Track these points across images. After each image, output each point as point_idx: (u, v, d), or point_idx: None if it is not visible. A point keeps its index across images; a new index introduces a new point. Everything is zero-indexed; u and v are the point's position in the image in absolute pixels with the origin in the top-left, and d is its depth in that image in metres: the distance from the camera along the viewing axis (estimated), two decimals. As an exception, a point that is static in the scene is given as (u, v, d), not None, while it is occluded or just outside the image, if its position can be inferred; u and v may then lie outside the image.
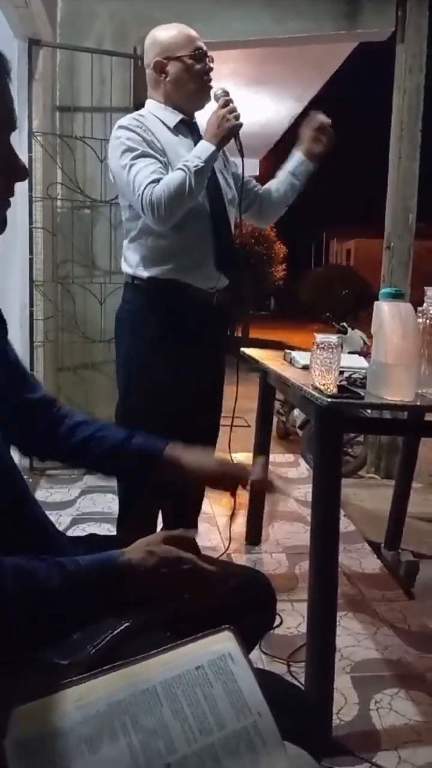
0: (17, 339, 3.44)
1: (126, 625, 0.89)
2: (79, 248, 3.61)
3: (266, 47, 3.78)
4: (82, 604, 0.90)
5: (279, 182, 2.15)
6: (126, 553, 0.95)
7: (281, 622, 2.03)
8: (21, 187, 3.31)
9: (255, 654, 1.74)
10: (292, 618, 2.04)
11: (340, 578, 2.23)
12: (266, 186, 2.17)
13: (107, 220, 3.58)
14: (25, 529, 0.97)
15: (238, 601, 1.09)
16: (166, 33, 1.95)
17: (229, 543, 2.51)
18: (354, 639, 1.97)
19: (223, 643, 0.75)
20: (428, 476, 3.81)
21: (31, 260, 3.42)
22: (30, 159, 3.32)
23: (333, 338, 1.59)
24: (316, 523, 1.58)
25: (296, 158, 2.12)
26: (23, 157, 3.16)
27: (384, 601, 2.21)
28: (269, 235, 12.53)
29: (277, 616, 2.04)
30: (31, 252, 3.41)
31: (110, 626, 0.89)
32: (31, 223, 3.38)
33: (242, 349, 2.44)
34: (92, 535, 1.23)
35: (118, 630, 0.87)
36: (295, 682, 1.74)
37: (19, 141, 3.30)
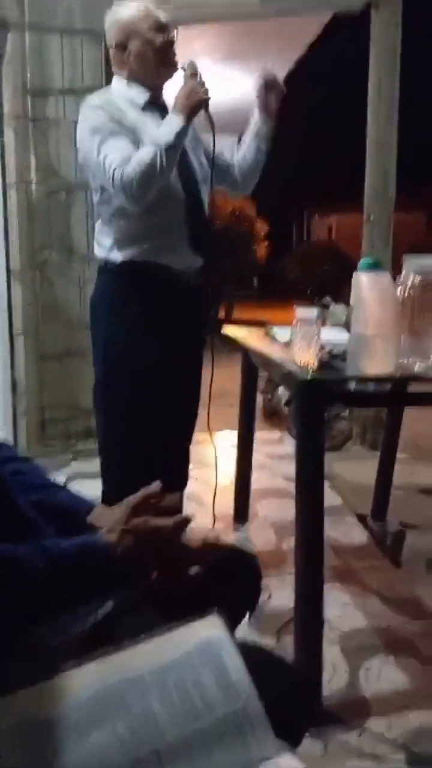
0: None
1: (111, 603, 0.90)
2: (56, 233, 3.58)
3: (239, 21, 3.72)
4: (67, 585, 0.90)
5: (246, 148, 2.14)
6: (102, 535, 0.95)
7: (269, 597, 2.05)
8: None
9: (244, 629, 1.76)
10: (281, 593, 2.06)
11: (328, 551, 2.24)
12: (236, 155, 2.16)
13: (84, 204, 3.54)
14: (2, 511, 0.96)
15: (221, 573, 1.10)
16: (125, 10, 1.93)
17: (214, 521, 2.51)
18: (342, 609, 2.00)
19: (210, 628, 0.75)
20: (413, 447, 3.84)
21: (6, 248, 3.38)
22: (1, 143, 3.27)
23: (313, 311, 1.59)
24: (300, 497, 1.60)
25: (255, 120, 2.10)
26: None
27: (371, 571, 2.25)
28: (249, 214, 12.44)
29: (266, 592, 2.06)
30: (6, 239, 3.37)
31: (96, 606, 0.90)
32: (5, 209, 3.34)
33: (224, 328, 2.44)
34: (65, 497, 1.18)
35: (104, 609, 0.88)
36: (285, 655, 1.77)
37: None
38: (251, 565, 1.20)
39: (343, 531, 2.55)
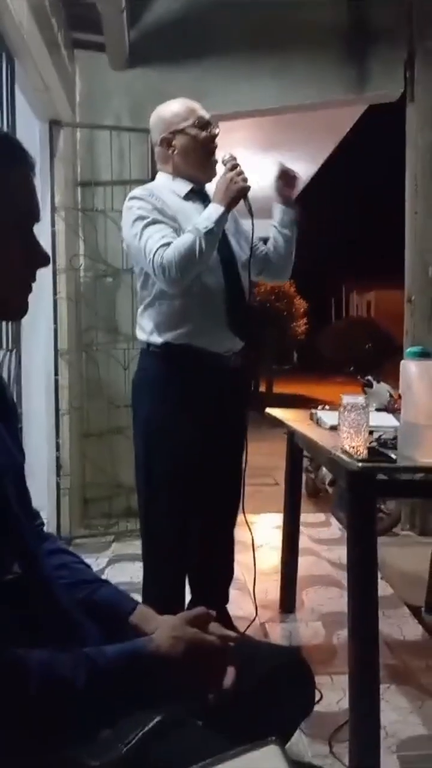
0: (42, 407, 3.48)
1: (158, 719, 0.84)
2: (102, 315, 3.68)
3: (277, 114, 3.89)
4: (111, 699, 0.85)
5: (273, 239, 2.20)
6: (153, 640, 0.91)
7: (321, 698, 1.91)
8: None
9: (295, 735, 1.65)
10: (333, 693, 1.94)
11: (381, 648, 2.12)
12: (267, 246, 2.22)
13: (129, 287, 3.64)
14: (42, 610, 0.93)
15: (274, 684, 1.03)
16: (168, 108, 2.03)
17: (256, 612, 2.42)
18: (399, 714, 1.86)
19: (270, 760, 0.69)
20: (465, 531, 3.68)
21: (55, 329, 3.47)
22: (53, 233, 3.42)
23: (360, 399, 1.56)
24: (353, 595, 1.52)
25: (277, 211, 2.17)
26: (46, 232, 3.29)
27: (429, 671, 2.10)
28: (288, 291, 12.66)
29: (317, 692, 1.94)
30: (55, 321, 3.47)
31: (141, 721, 0.84)
32: (55, 293, 3.46)
33: (267, 409, 2.42)
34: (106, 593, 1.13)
35: (150, 725, 0.83)
36: (339, 764, 1.64)
37: (42, 216, 3.41)
38: (304, 672, 1.13)
39: (397, 625, 2.41)
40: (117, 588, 1.14)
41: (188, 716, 0.95)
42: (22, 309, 0.94)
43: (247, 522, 2.14)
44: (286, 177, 2.14)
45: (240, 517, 2.22)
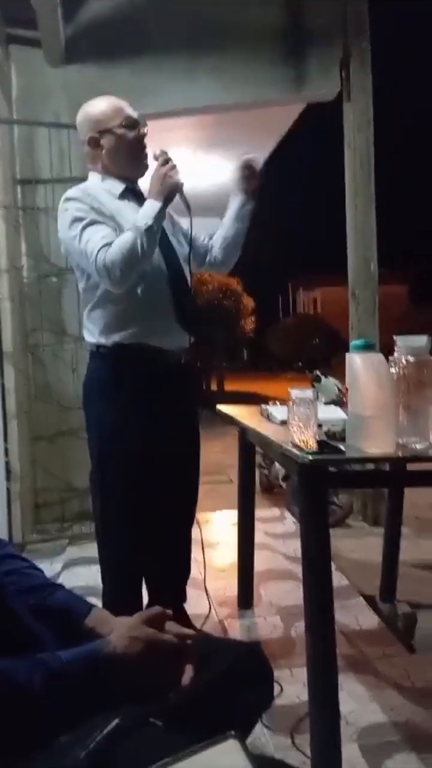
0: (-11, 412, 3.39)
1: (116, 722, 0.82)
2: (48, 316, 3.62)
3: (216, 113, 3.89)
4: (69, 703, 0.84)
5: (226, 229, 2.21)
6: (109, 642, 0.90)
7: (281, 691, 1.94)
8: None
9: (256, 728, 1.65)
10: (293, 686, 1.95)
11: (338, 638, 2.14)
12: (215, 235, 2.22)
13: (74, 287, 3.55)
14: None
15: (232, 679, 1.03)
16: (95, 107, 2.01)
17: (210, 607, 2.42)
18: (358, 703, 1.89)
19: (229, 754, 0.68)
20: (415, 520, 3.76)
21: (-1, 331, 3.39)
22: (-7, 233, 3.34)
23: (308, 392, 1.57)
24: (308, 587, 1.53)
25: (236, 202, 2.18)
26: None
27: (385, 659, 2.13)
28: (236, 289, 12.74)
29: (277, 685, 1.94)
30: (-2, 323, 3.39)
31: (100, 724, 0.83)
32: (-3, 295, 3.37)
33: (218, 406, 2.42)
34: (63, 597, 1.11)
35: (109, 728, 0.81)
36: (301, 755, 1.65)
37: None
38: (262, 666, 1.13)
39: (353, 615, 2.45)
40: (71, 592, 1.12)
41: (148, 717, 0.94)
42: None
43: (197, 521, 2.14)
44: (250, 169, 2.14)
45: (200, 515, 2.22)
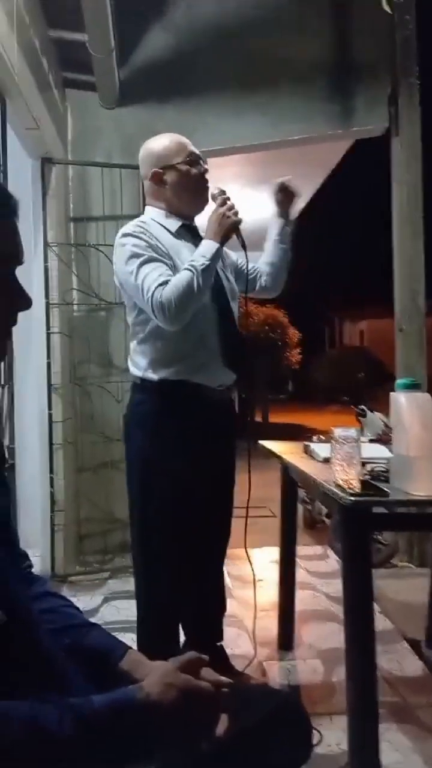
0: (36, 443, 3.45)
1: (149, 771, 0.81)
2: (95, 349, 3.68)
3: (264, 150, 3.94)
4: (99, 751, 0.82)
5: (270, 254, 2.23)
6: (143, 688, 0.89)
7: (321, 739, 1.88)
8: (38, 294, 3.43)
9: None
10: (333, 733, 1.89)
11: (380, 684, 2.08)
12: (259, 262, 2.24)
13: (121, 321, 3.65)
14: (26, 658, 0.90)
15: (268, 730, 1.00)
16: (158, 143, 2.05)
17: (255, 650, 2.37)
18: (401, 755, 1.81)
19: None
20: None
21: (48, 364, 3.47)
22: (46, 268, 3.44)
23: (352, 431, 1.55)
24: (349, 632, 1.49)
25: (275, 226, 2.21)
26: (39, 267, 3.30)
27: (429, 707, 2.05)
28: (282, 321, 12.75)
29: (316, 732, 1.89)
30: (48, 356, 3.47)
31: (132, 773, 0.81)
32: (48, 328, 3.46)
33: (260, 441, 2.41)
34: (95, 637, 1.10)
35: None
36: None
37: (34, 252, 3.43)
38: (300, 716, 1.09)
39: (396, 661, 2.36)
40: (107, 632, 1.12)
41: (181, 767, 0.92)
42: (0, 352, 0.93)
43: (248, 557, 2.12)
44: (285, 191, 2.18)
45: (240, 551, 2.19)
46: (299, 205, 5.72)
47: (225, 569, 2.28)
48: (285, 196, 2.18)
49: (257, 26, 3.68)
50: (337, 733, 1.88)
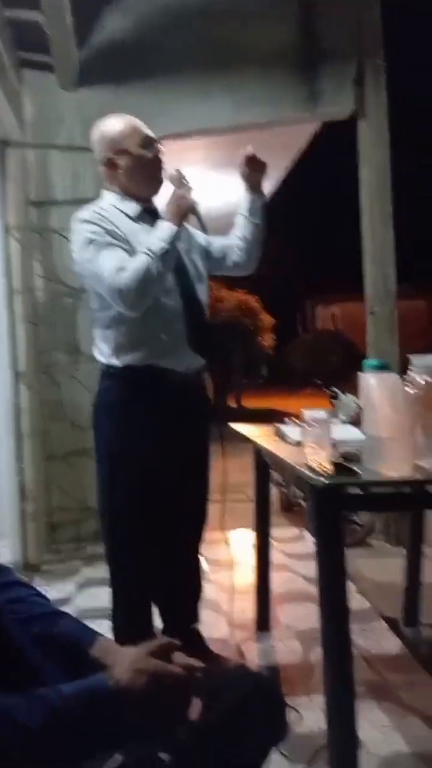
0: (3, 432, 3.39)
1: (120, 760, 0.79)
2: (62, 336, 3.62)
3: (230, 133, 3.90)
4: (70, 741, 0.80)
5: (241, 228, 2.18)
6: (113, 675, 0.87)
7: (300, 719, 1.88)
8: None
9: (274, 758, 1.60)
10: (312, 713, 1.89)
11: (359, 663, 2.10)
12: (231, 238, 2.20)
13: (88, 307, 3.60)
14: None
15: (243, 713, 0.99)
16: (111, 127, 2.00)
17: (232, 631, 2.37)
18: (380, 732, 1.82)
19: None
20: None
21: (13, 352, 3.40)
22: (6, 254, 3.37)
23: (322, 413, 1.54)
24: (323, 610, 1.49)
25: (246, 199, 2.16)
26: None
27: (408, 686, 2.06)
28: (254, 307, 12.73)
29: (295, 712, 1.89)
30: (12, 344, 3.40)
31: (102, 762, 0.79)
32: (12, 314, 3.39)
33: (232, 424, 2.39)
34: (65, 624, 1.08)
35: (112, 765, 0.78)
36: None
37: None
38: (275, 697, 1.08)
39: (374, 639, 2.38)
40: (76, 620, 1.09)
41: (154, 753, 0.90)
42: None
43: (226, 540, 2.11)
44: (253, 162, 2.12)
45: (217, 536, 2.18)
46: (268, 188, 5.71)
47: (202, 554, 2.27)
48: (252, 168, 2.13)
49: (222, 8, 3.61)
50: (316, 712, 1.88)
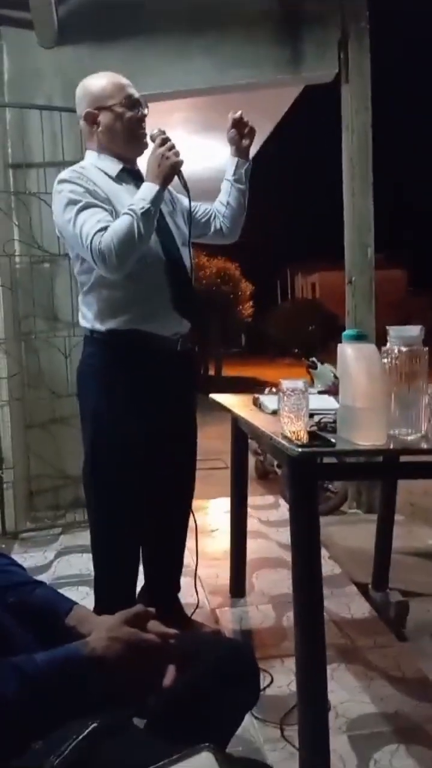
0: (-19, 400, 3.36)
1: (93, 726, 0.81)
2: (41, 302, 3.57)
3: (211, 95, 3.82)
4: (44, 708, 0.82)
5: (226, 193, 2.16)
6: (88, 643, 0.88)
7: (272, 681, 1.94)
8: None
9: (246, 719, 1.65)
10: (283, 676, 1.95)
11: (329, 627, 2.15)
12: (215, 203, 2.17)
13: (67, 273, 3.53)
14: None
15: (217, 680, 1.02)
16: (95, 83, 1.94)
17: (206, 598, 2.41)
18: (348, 693, 1.88)
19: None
20: (410, 506, 3.76)
21: (-10, 318, 3.35)
22: (-16, 218, 3.29)
23: (299, 383, 1.54)
24: (296, 575, 1.52)
25: (231, 164, 2.14)
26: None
27: (376, 648, 2.13)
28: (234, 274, 12.67)
29: (267, 675, 1.95)
30: (-10, 310, 3.35)
31: (76, 729, 0.81)
32: (-12, 280, 3.33)
33: (211, 395, 2.40)
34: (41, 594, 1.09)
35: (84, 733, 0.79)
36: (291, 747, 1.65)
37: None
38: (248, 665, 1.11)
39: (345, 604, 2.44)
40: (53, 589, 1.10)
41: (128, 719, 0.92)
42: None
43: (202, 508, 2.13)
44: (239, 126, 2.08)
45: (196, 503, 2.19)
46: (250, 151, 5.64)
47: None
48: (238, 132, 2.09)
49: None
50: (287, 675, 1.94)
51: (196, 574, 2.24)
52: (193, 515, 2.17)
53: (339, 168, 3.67)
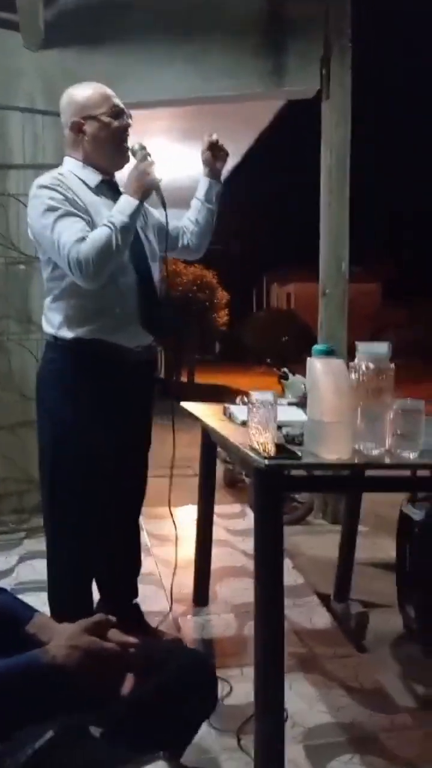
0: None
1: (51, 734, 0.81)
2: (14, 304, 3.55)
3: (195, 105, 3.85)
4: (3, 714, 0.82)
5: (196, 212, 2.19)
6: (48, 651, 0.89)
7: (230, 690, 1.95)
8: None
9: (203, 728, 1.66)
10: (243, 685, 1.96)
11: (290, 636, 2.17)
12: (183, 220, 2.20)
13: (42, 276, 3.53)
14: None
15: (175, 689, 1.02)
16: (81, 92, 1.95)
17: (171, 605, 2.41)
18: (306, 703, 1.90)
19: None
20: (375, 517, 3.81)
21: (-38, 318, 3.32)
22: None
23: (269, 395, 1.57)
24: (259, 585, 1.53)
25: (203, 184, 2.18)
26: None
27: (335, 659, 2.16)
28: (211, 282, 12.70)
29: (226, 684, 1.96)
30: (-38, 310, 3.32)
31: (34, 737, 0.81)
32: (-38, 280, 3.30)
33: (182, 403, 2.41)
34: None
35: (42, 741, 0.79)
36: (247, 757, 1.66)
37: None
38: (206, 673, 1.12)
39: (306, 614, 2.47)
40: (13, 596, 1.10)
41: (86, 727, 0.93)
42: None
43: (172, 516, 2.15)
44: (214, 149, 2.12)
45: (162, 510, 2.21)
46: (230, 163, 5.68)
47: (144, 528, 2.30)
48: (213, 154, 2.13)
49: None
50: (247, 684, 1.94)
51: (172, 582, 2.25)
52: (175, 524, 2.19)
53: (318, 180, 3.72)
